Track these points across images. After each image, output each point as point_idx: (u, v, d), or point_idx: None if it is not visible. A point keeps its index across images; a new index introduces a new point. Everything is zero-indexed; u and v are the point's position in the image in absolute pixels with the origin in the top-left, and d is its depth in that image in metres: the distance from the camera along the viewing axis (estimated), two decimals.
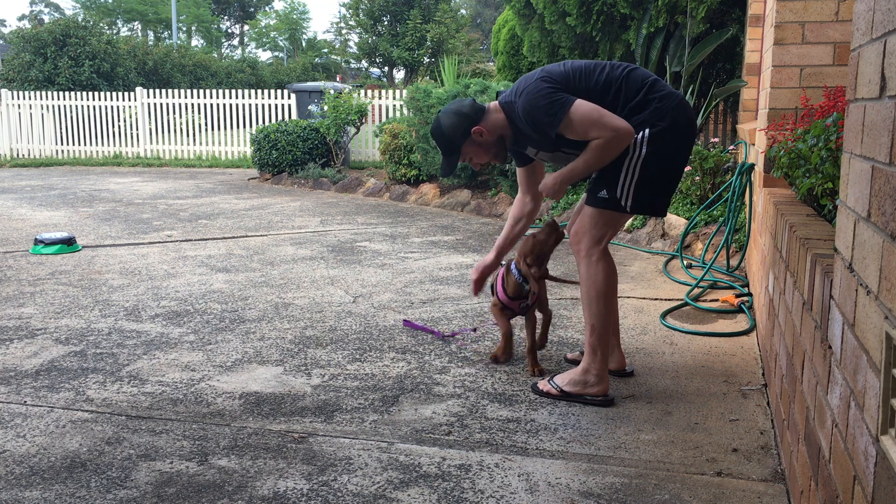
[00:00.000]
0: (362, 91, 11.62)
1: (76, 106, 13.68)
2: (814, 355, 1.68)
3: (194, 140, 13.40)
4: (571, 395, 2.69)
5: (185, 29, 48.68)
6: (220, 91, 13.33)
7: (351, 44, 36.71)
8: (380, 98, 11.74)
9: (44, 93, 13.85)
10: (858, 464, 1.19)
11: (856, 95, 1.32)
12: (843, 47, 3.34)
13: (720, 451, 2.30)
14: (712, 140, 7.33)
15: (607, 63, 2.75)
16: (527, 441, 2.38)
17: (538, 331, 3.06)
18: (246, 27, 57.70)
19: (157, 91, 13.58)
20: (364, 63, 34.26)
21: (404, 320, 3.63)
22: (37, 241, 5.51)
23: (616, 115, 2.58)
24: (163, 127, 13.58)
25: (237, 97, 13.01)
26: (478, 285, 3.19)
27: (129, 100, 13.50)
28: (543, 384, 2.76)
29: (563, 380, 2.73)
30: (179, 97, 13.32)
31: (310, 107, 11.10)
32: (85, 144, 13.77)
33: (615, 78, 2.68)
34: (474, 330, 3.27)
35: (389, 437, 2.41)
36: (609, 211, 2.68)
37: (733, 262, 4.70)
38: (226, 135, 13.24)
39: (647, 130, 2.62)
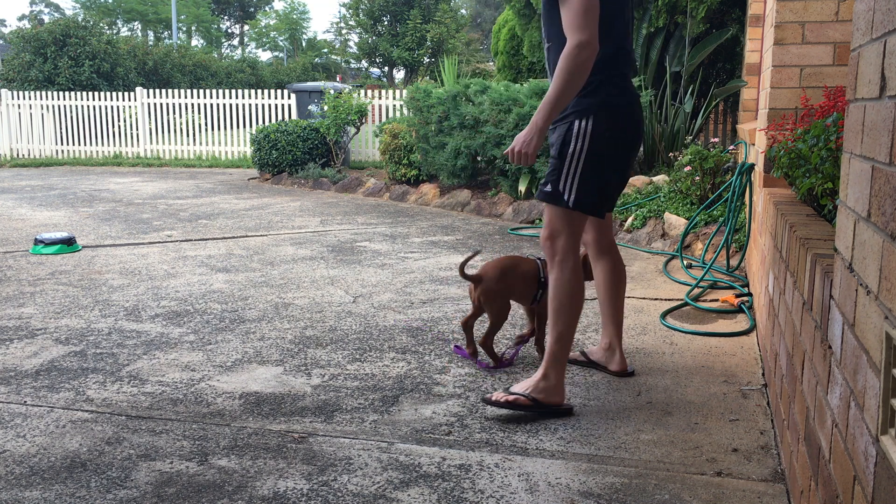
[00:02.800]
0: (362, 91, 11.62)
1: (76, 106, 13.68)
2: (814, 355, 1.68)
3: (194, 140, 13.39)
4: (542, 404, 2.54)
5: (185, 29, 48.69)
6: (220, 91, 13.33)
7: (351, 44, 36.71)
8: (380, 98, 11.73)
9: (44, 93, 13.85)
10: (858, 464, 1.19)
11: (856, 95, 1.32)
12: (843, 47, 3.34)
13: (720, 451, 2.30)
14: (712, 140, 7.33)
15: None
16: (527, 441, 2.38)
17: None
18: (246, 27, 57.70)
19: (157, 91, 13.58)
20: (364, 63, 34.26)
21: (455, 346, 3.27)
22: (37, 241, 5.51)
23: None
24: (163, 127, 13.58)
25: (237, 97, 13.01)
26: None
27: (129, 100, 13.50)
28: (499, 395, 2.56)
29: (525, 387, 2.57)
30: (179, 97, 13.31)
31: (310, 107, 11.10)
32: (85, 144, 13.77)
33: (627, 21, 2.59)
34: (517, 349, 3.13)
35: (389, 437, 2.41)
36: (555, 207, 2.59)
37: (733, 262, 4.70)
38: (226, 135, 13.24)
39: (590, 120, 2.51)
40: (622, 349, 2.96)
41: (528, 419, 2.55)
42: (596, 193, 2.61)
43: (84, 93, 13.79)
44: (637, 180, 6.65)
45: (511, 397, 2.53)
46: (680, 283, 4.46)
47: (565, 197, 2.57)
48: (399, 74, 32.91)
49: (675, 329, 3.56)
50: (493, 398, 2.54)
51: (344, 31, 36.22)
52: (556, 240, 2.61)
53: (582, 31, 2.37)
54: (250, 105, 12.88)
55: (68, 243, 5.53)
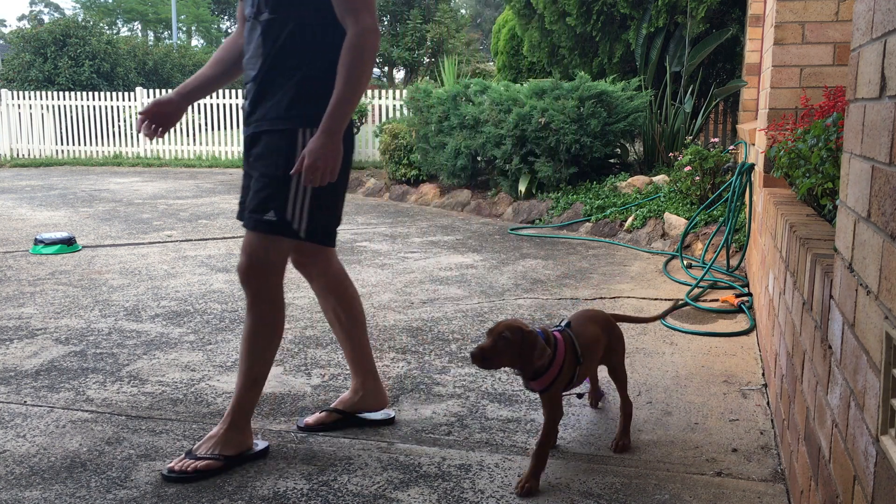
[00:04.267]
0: None
1: (76, 106, 13.67)
2: (814, 355, 1.68)
3: (194, 140, 13.39)
4: (231, 457, 2.20)
5: (185, 29, 48.68)
6: (220, 91, 13.33)
7: None
8: (380, 98, 11.73)
9: (44, 93, 13.84)
10: (858, 464, 1.19)
11: (856, 95, 1.32)
12: (843, 47, 3.34)
13: (720, 451, 2.30)
14: (712, 140, 7.34)
15: None
16: (527, 441, 2.37)
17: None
18: None
19: (158, 91, 13.58)
20: None
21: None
22: (37, 241, 5.51)
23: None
24: None
25: (237, 97, 13.00)
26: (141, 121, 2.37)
27: (129, 100, 13.50)
28: (181, 463, 2.15)
29: (208, 447, 2.20)
30: None
31: None
32: (85, 144, 13.77)
33: None
34: (580, 396, 2.69)
35: (389, 437, 2.41)
36: (279, 237, 2.19)
37: (733, 262, 4.70)
38: (226, 135, 13.24)
39: (310, 131, 2.14)
40: (381, 383, 2.54)
41: (528, 419, 2.55)
42: (334, 218, 2.29)
43: (84, 93, 13.79)
44: (637, 180, 6.65)
45: (200, 463, 2.14)
46: (680, 283, 4.46)
47: (295, 226, 2.17)
48: (399, 74, 32.91)
49: (675, 329, 3.56)
50: (176, 467, 2.13)
51: None
52: (266, 276, 2.23)
53: (370, 12, 2.08)
54: None
55: (68, 243, 5.53)
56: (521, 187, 7.02)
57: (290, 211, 2.16)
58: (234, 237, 6.13)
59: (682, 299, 3.52)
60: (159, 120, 2.37)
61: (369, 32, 2.06)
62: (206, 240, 6.02)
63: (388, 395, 2.75)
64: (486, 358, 2.01)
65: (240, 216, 2.31)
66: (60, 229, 6.42)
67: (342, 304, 2.47)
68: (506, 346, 2.02)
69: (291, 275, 4.73)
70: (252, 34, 2.21)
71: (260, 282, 2.23)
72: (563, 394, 2.21)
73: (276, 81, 2.16)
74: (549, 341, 2.12)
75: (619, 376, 2.41)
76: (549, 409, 2.13)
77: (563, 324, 2.28)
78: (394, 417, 2.54)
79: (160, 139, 13.50)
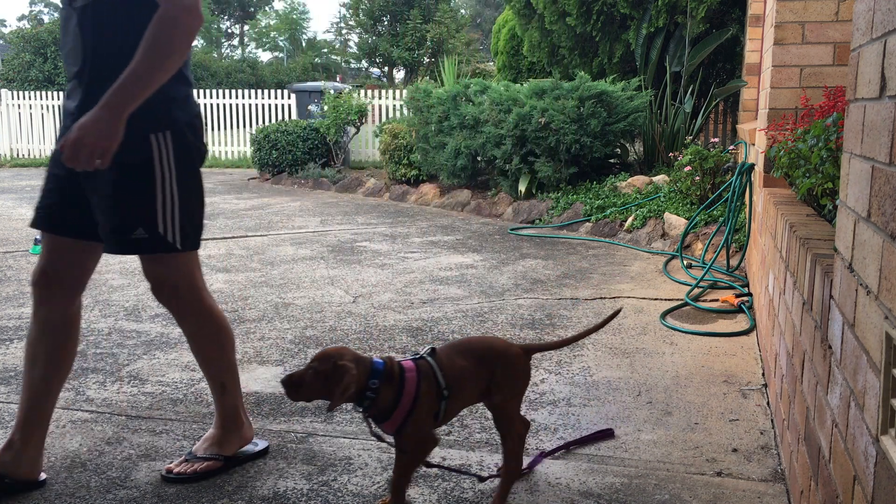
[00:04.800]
0: (362, 91, 11.62)
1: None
2: (814, 355, 1.68)
3: None
4: (230, 457, 2.19)
5: None
6: (220, 91, 13.33)
7: (351, 44, 36.69)
8: (380, 98, 11.74)
9: (44, 93, 13.84)
10: (858, 464, 1.19)
11: (856, 95, 1.32)
12: (843, 47, 3.34)
13: (720, 451, 2.30)
14: (712, 140, 7.34)
15: None
16: (527, 441, 2.37)
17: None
18: (246, 27, 57.69)
19: None
20: (364, 63, 34.24)
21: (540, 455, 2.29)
22: (37, 242, 5.51)
23: None
24: None
25: (237, 97, 13.01)
26: None
27: None
28: (181, 466, 2.13)
29: (205, 447, 2.18)
30: None
31: (310, 107, 11.10)
32: None
33: None
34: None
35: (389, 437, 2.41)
36: (161, 256, 2.01)
37: (733, 262, 4.70)
38: (226, 135, 13.24)
39: (172, 131, 1.95)
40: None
41: (528, 419, 2.54)
42: (199, 219, 2.10)
43: None
44: (637, 180, 6.65)
45: (199, 465, 2.12)
46: (680, 283, 4.46)
47: (170, 238, 1.99)
48: (399, 74, 32.90)
49: (675, 329, 3.56)
50: (175, 469, 2.11)
51: (344, 31, 36.20)
52: (176, 291, 2.07)
53: None
54: (250, 105, 12.88)
55: None
56: (521, 187, 7.03)
57: (161, 224, 1.96)
58: (233, 237, 6.13)
59: (618, 309, 2.78)
60: None
61: (185, 10, 1.80)
62: (205, 240, 6.02)
63: None
64: (293, 386, 1.77)
65: (39, 224, 2.03)
66: None
67: (67, 346, 2.12)
68: (314, 378, 1.76)
69: (291, 274, 4.76)
70: (68, 24, 1.93)
71: (178, 299, 2.09)
72: (385, 440, 1.89)
73: (104, 76, 1.85)
74: (391, 375, 1.81)
75: (506, 424, 1.96)
76: (411, 450, 1.85)
77: (423, 352, 1.92)
78: (44, 480, 2.10)
79: None
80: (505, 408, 1.96)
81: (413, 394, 1.81)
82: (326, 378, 1.75)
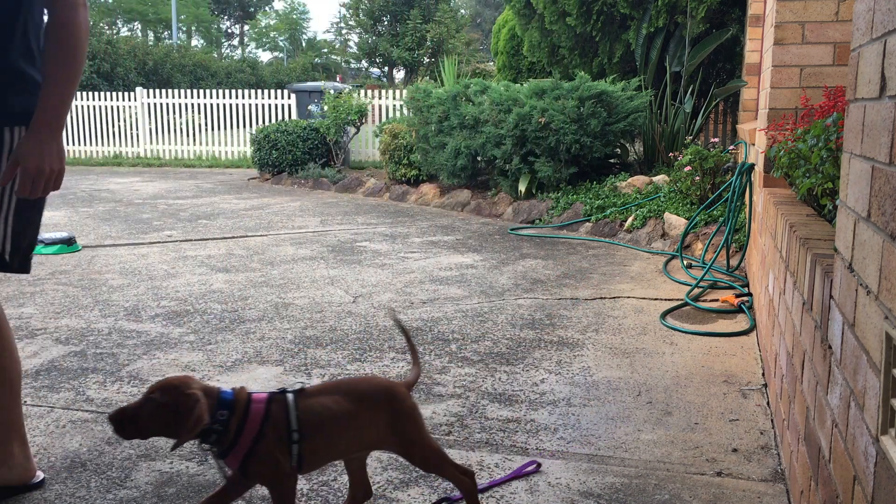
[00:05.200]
0: (362, 91, 11.62)
1: (76, 106, 13.67)
2: (814, 355, 1.68)
3: (194, 140, 13.39)
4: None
5: (185, 29, 48.67)
6: (220, 91, 13.33)
7: (351, 44, 36.69)
8: (380, 98, 11.74)
9: None
10: (858, 464, 1.19)
11: (856, 95, 1.32)
12: (843, 47, 3.34)
13: (720, 451, 2.30)
14: (712, 140, 7.34)
15: None
16: (527, 441, 2.37)
17: None
18: (246, 27, 57.69)
19: (157, 91, 13.57)
20: (364, 63, 34.24)
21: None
22: (37, 242, 5.51)
23: None
24: (163, 127, 13.58)
25: (237, 97, 13.01)
26: None
27: (129, 100, 13.50)
28: None
29: None
30: (179, 97, 13.31)
31: (310, 107, 11.10)
32: (85, 144, 13.77)
33: None
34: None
35: None
36: None
37: (733, 262, 4.70)
38: (226, 135, 13.24)
39: (21, 129, 1.81)
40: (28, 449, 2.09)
41: (528, 419, 2.55)
42: (34, 236, 1.95)
43: (84, 93, 13.79)
44: (637, 180, 6.65)
45: None
46: (680, 283, 4.46)
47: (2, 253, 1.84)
48: (399, 74, 32.90)
49: (675, 329, 3.56)
50: None
51: (344, 31, 36.21)
52: None
53: None
54: (250, 105, 12.88)
55: (68, 243, 5.53)
56: (521, 187, 7.03)
57: None
58: (233, 237, 6.13)
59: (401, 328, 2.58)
60: None
61: (80, 6, 1.74)
62: (205, 240, 6.02)
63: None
64: (127, 421, 1.58)
65: None
66: (60, 229, 6.42)
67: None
68: (155, 411, 1.58)
69: (291, 274, 4.76)
70: None
71: None
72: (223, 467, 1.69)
73: None
74: (234, 407, 1.65)
75: (435, 464, 1.79)
76: (269, 483, 1.67)
77: (289, 389, 1.75)
78: (42, 481, 2.09)
79: (160, 139, 13.50)
80: (418, 450, 1.77)
81: (254, 432, 1.64)
82: (172, 411, 1.57)
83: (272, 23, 56.17)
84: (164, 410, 1.58)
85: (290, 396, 1.70)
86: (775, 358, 2.51)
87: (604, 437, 2.40)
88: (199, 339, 3.44)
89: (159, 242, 5.90)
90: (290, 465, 1.67)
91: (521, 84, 7.67)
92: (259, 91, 12.99)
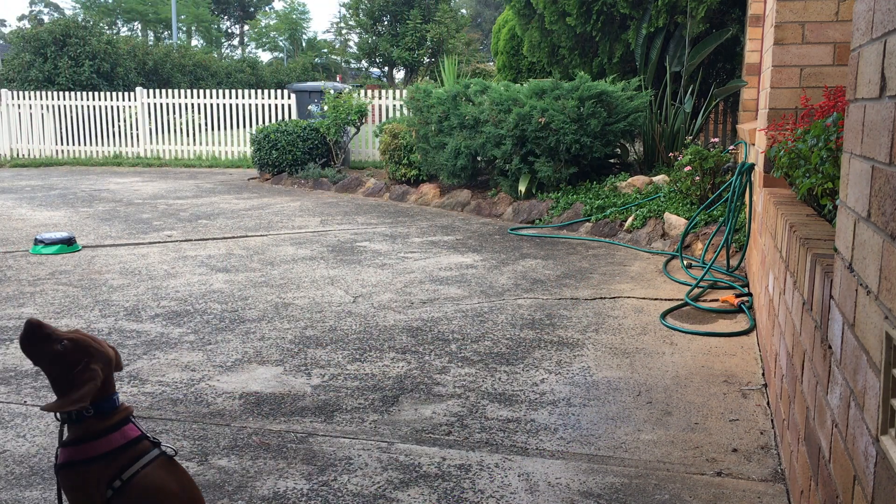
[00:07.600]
0: (362, 91, 11.61)
1: (76, 106, 13.67)
2: (814, 355, 1.68)
3: (194, 140, 13.39)
4: None
5: (185, 29, 48.68)
6: (220, 91, 13.32)
7: (351, 44, 36.70)
8: (380, 98, 11.73)
9: (44, 93, 13.83)
10: (858, 464, 1.19)
11: (856, 95, 1.31)
12: (843, 47, 3.34)
13: (720, 451, 2.30)
14: (712, 140, 7.33)
15: None
16: (527, 441, 2.37)
17: None
18: (246, 27, 57.69)
19: (157, 91, 13.57)
20: (364, 63, 34.24)
21: None
22: (37, 241, 5.51)
23: None
24: (163, 127, 13.57)
25: (237, 97, 13.00)
26: None
27: (129, 100, 13.49)
28: None
29: None
30: (179, 97, 13.31)
31: (310, 107, 11.10)
32: (85, 144, 13.76)
33: None
34: None
35: (389, 437, 2.41)
36: None
37: (733, 262, 4.70)
38: (226, 135, 13.24)
39: None
40: None
41: (528, 419, 2.55)
42: None
43: (84, 93, 13.78)
44: (637, 180, 6.65)
45: None
46: (680, 283, 4.46)
47: None
48: (399, 74, 32.89)
49: (675, 329, 3.56)
50: None
51: (344, 31, 36.21)
52: None
53: None
54: (250, 105, 12.88)
55: (68, 243, 5.53)
56: (521, 187, 7.02)
57: None
58: (234, 237, 6.13)
59: None
60: None
61: None
62: (206, 240, 6.02)
63: (389, 396, 2.76)
64: (42, 337, 1.50)
65: None
66: (60, 229, 6.42)
67: None
68: (56, 355, 1.50)
69: (291, 274, 4.76)
70: None
71: None
72: None
73: None
74: (107, 415, 1.56)
75: None
76: (67, 493, 1.55)
77: (164, 447, 1.63)
78: None
79: (159, 139, 13.50)
80: None
81: (97, 452, 1.52)
82: (68, 367, 1.49)
83: (272, 23, 56.14)
84: (62, 361, 1.49)
85: (153, 453, 1.58)
86: (775, 358, 2.51)
87: (604, 437, 2.40)
88: (199, 339, 3.44)
89: (159, 242, 5.90)
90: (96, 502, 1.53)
91: (521, 84, 7.67)
92: (259, 91, 12.98)
